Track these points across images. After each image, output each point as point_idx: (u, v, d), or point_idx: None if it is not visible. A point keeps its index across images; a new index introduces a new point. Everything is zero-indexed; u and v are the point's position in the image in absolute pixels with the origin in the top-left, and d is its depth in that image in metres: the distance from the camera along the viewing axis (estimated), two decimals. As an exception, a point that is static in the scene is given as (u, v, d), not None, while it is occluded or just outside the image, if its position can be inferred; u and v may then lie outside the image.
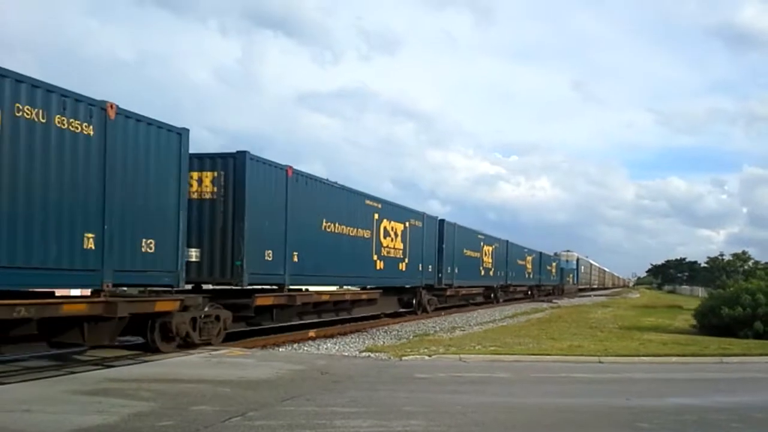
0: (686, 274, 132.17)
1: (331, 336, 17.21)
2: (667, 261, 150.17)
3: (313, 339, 16.35)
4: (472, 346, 14.34)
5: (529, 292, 48.93)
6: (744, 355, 13.55)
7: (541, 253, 49.82)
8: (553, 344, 15.03)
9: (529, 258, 47.88)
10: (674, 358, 13.04)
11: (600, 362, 12.41)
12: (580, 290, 76.56)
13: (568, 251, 74.61)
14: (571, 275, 71.05)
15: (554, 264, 60.10)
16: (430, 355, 12.59)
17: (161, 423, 6.43)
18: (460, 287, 30.07)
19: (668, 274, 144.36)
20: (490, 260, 35.85)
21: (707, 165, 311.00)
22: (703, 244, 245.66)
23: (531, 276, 48.50)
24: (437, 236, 27.08)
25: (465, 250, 30.98)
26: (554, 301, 46.22)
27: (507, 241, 40.79)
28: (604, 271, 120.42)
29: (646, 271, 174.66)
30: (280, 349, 14.03)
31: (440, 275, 27.16)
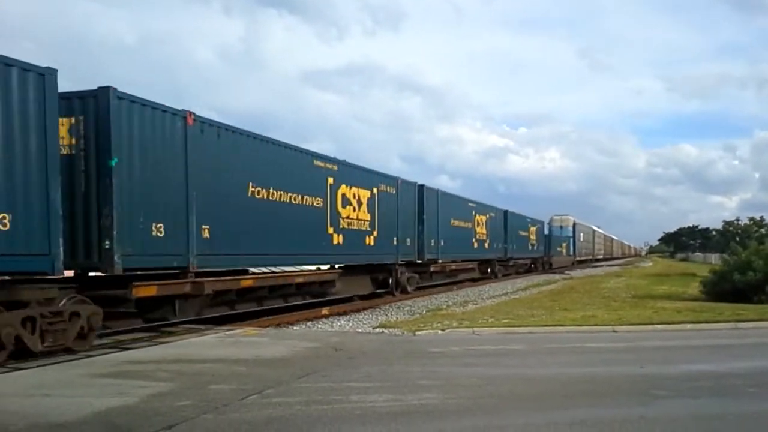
0: (699, 241, 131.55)
1: (345, 313, 17.31)
2: (680, 229, 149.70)
3: (326, 316, 16.45)
4: (485, 319, 14.37)
5: (533, 266, 45.77)
6: (759, 320, 13.50)
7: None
8: (566, 315, 15.05)
9: (533, 229, 44.92)
10: (689, 326, 13.03)
11: (614, 332, 12.42)
12: (580, 263, 65.65)
13: (562, 215, 64.89)
14: (564, 244, 59.83)
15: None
16: (443, 330, 12.63)
17: (180, 402, 6.50)
18: (446, 262, 27.03)
19: (681, 241, 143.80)
20: (485, 231, 32.64)
21: (718, 131, 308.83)
22: (716, 211, 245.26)
23: (535, 248, 45.63)
24: (416, 205, 23.59)
25: (453, 221, 27.65)
26: (566, 272, 46.17)
27: (506, 210, 37.68)
28: (611, 239, 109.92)
29: (659, 240, 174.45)
30: (294, 328, 14.12)
31: (421, 249, 23.76)
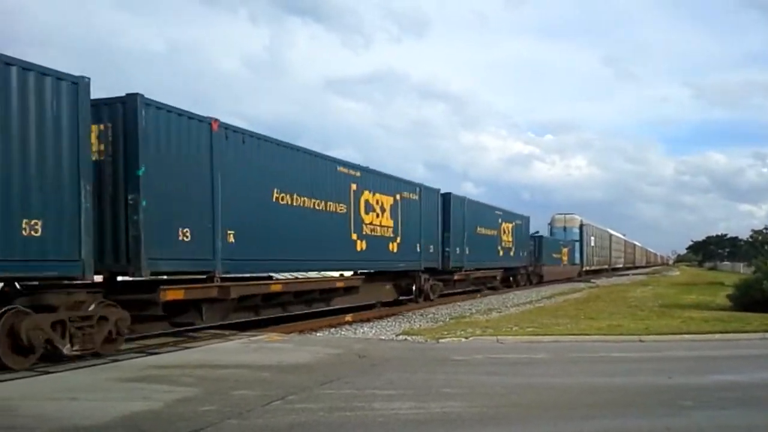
0: (727, 250, 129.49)
1: (368, 320, 17.31)
2: (708, 237, 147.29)
3: (349, 323, 16.47)
4: (509, 327, 14.28)
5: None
6: (789, 331, 13.23)
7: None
8: (591, 324, 14.90)
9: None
10: (717, 336, 12.82)
11: (641, 341, 12.26)
12: (589, 273, 54.08)
13: (566, 214, 54.53)
14: (565, 250, 47.97)
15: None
16: (466, 338, 12.58)
17: (204, 408, 6.55)
18: (471, 270, 26.27)
19: (709, 250, 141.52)
20: (510, 239, 31.99)
21: (747, 138, 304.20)
22: (745, 219, 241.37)
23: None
24: (439, 212, 23.38)
25: (479, 228, 27.25)
26: (592, 280, 45.37)
27: (528, 217, 36.32)
28: (634, 245, 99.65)
29: (687, 248, 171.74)
30: (317, 334, 14.16)
31: (446, 257, 23.64)
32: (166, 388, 7.51)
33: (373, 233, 18.25)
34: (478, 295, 27.82)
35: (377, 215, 18.60)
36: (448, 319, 17.17)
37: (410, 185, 21.27)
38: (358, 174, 17.61)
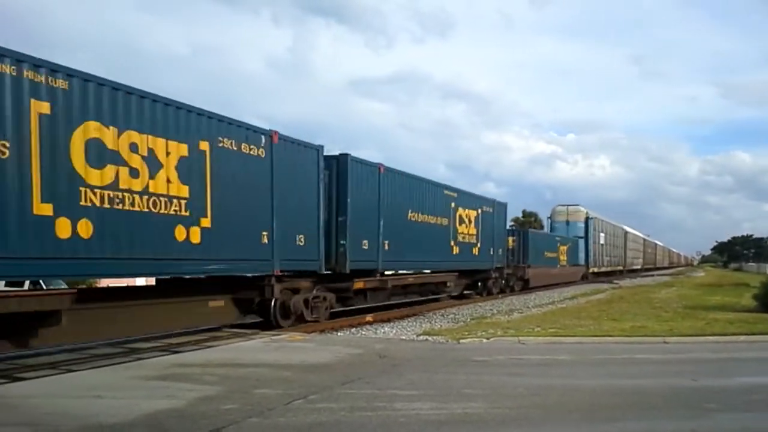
0: (753, 251, 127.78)
1: (388, 320, 17.30)
2: (733, 238, 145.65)
3: (370, 323, 16.47)
4: (531, 328, 14.20)
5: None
6: (817, 333, 13.00)
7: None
8: (615, 325, 14.75)
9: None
10: (742, 337, 12.64)
11: (665, 343, 12.12)
12: (598, 275, 47.63)
13: (569, 205, 46.72)
14: (563, 248, 39.50)
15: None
16: (488, 338, 12.52)
17: (226, 406, 6.60)
18: (389, 276, 19.62)
19: (734, 251, 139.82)
20: (474, 231, 24.48)
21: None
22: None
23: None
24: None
25: (411, 213, 20.38)
26: (615, 281, 44.57)
27: (505, 204, 30.16)
28: (654, 245, 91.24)
29: (711, 249, 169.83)
30: (339, 334, 14.18)
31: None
32: (189, 386, 7.57)
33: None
34: (500, 297, 27.58)
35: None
36: (469, 320, 17.11)
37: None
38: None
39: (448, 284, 23.12)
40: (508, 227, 31.56)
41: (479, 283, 27.26)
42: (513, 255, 30.91)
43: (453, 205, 22.41)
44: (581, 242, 44.36)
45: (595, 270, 47.24)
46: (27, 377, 8.37)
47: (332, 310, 16.32)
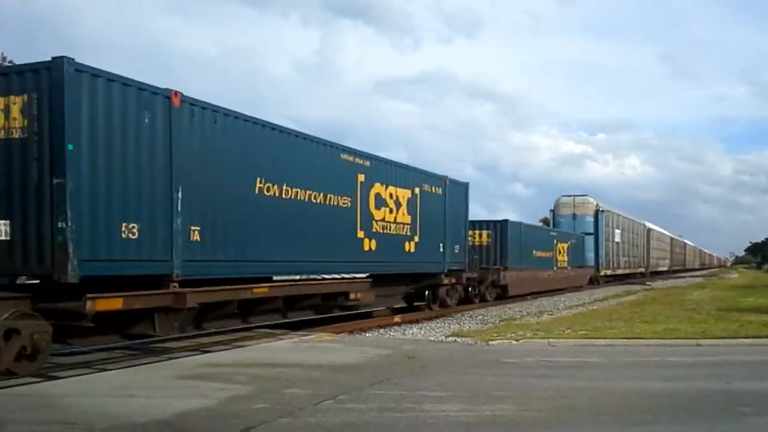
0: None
1: (417, 321, 17.30)
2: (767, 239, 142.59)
3: (398, 324, 16.49)
4: (561, 330, 14.08)
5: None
6: None
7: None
8: (647, 327, 14.56)
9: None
10: (777, 340, 12.39)
11: (698, 345, 11.93)
12: (611, 278, 41.62)
13: (576, 196, 40.34)
14: (564, 245, 33.12)
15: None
16: (517, 340, 12.45)
17: (257, 405, 6.66)
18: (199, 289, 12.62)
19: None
20: (407, 220, 17.53)
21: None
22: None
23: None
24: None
25: (270, 186, 12.85)
26: (648, 283, 43.53)
27: (466, 184, 22.15)
28: (683, 243, 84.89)
29: (745, 250, 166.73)
30: (367, 335, 14.21)
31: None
32: (220, 386, 7.66)
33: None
34: (528, 297, 26.94)
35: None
36: (498, 321, 17.03)
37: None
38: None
39: (353, 295, 14.91)
40: (494, 219, 26.53)
41: (426, 293, 19.80)
42: (488, 254, 24.86)
43: (362, 178, 15.14)
44: (589, 239, 37.92)
45: (608, 272, 40.73)
46: (61, 376, 8.53)
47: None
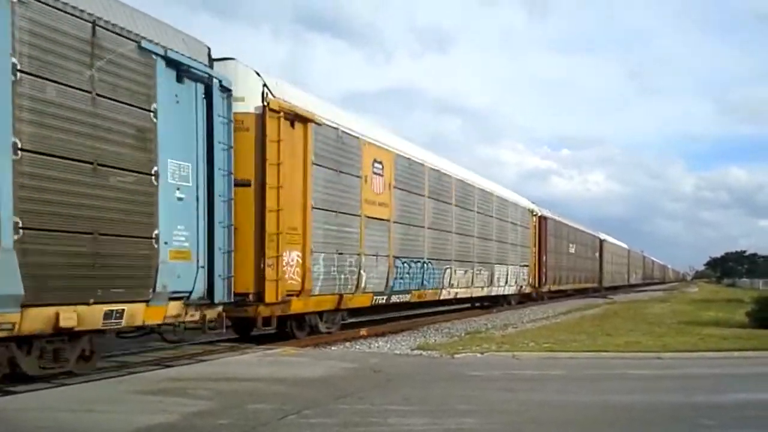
0: (746, 267, 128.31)
1: (383, 334, 17.24)
2: (726, 254, 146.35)
3: (364, 337, 16.42)
4: (525, 343, 14.19)
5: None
6: (810, 349, 13.03)
7: None
8: (609, 340, 14.75)
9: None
10: (736, 353, 12.64)
11: (659, 358, 12.12)
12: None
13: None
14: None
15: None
16: (482, 353, 12.50)
17: (220, 421, 6.56)
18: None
19: (727, 267, 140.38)
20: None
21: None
22: (766, 235, 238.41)
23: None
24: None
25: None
26: (610, 296, 44.43)
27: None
28: (642, 257, 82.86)
29: (704, 264, 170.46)
30: (333, 348, 14.12)
31: None
32: (183, 401, 7.53)
33: None
34: (494, 311, 27.54)
35: None
36: (463, 334, 17.07)
37: None
38: None
39: None
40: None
41: None
42: None
43: None
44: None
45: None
46: (18, 391, 8.29)
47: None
